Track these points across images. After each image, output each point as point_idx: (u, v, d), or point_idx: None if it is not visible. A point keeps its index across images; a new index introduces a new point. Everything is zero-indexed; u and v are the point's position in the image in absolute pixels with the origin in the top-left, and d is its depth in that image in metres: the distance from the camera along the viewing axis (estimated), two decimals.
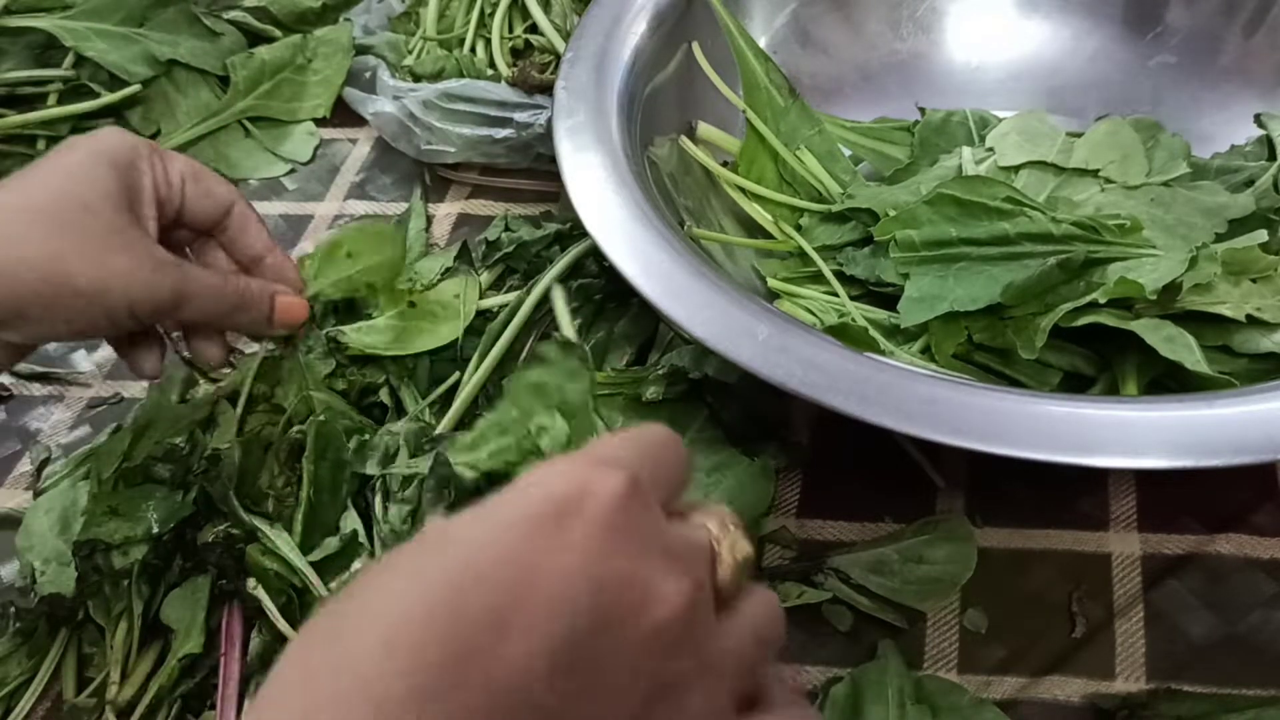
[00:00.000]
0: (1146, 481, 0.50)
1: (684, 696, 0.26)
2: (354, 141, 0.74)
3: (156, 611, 0.49)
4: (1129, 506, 0.50)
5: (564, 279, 0.58)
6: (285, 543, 0.49)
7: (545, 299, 0.57)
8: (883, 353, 0.49)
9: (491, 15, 0.73)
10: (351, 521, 0.50)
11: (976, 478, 0.51)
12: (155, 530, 0.49)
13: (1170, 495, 0.50)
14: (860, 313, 0.52)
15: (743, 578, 0.30)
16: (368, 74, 0.71)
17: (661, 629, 0.26)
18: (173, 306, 0.45)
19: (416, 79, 0.70)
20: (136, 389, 0.60)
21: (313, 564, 0.48)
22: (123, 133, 0.47)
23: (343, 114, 0.73)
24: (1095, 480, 0.51)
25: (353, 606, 0.25)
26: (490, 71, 0.70)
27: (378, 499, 0.50)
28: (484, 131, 0.65)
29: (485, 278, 0.61)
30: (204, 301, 0.46)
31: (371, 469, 0.51)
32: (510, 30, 0.73)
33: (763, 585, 0.32)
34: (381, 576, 0.26)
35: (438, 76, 0.69)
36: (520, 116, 0.65)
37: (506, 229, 0.63)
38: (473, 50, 0.72)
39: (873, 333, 0.50)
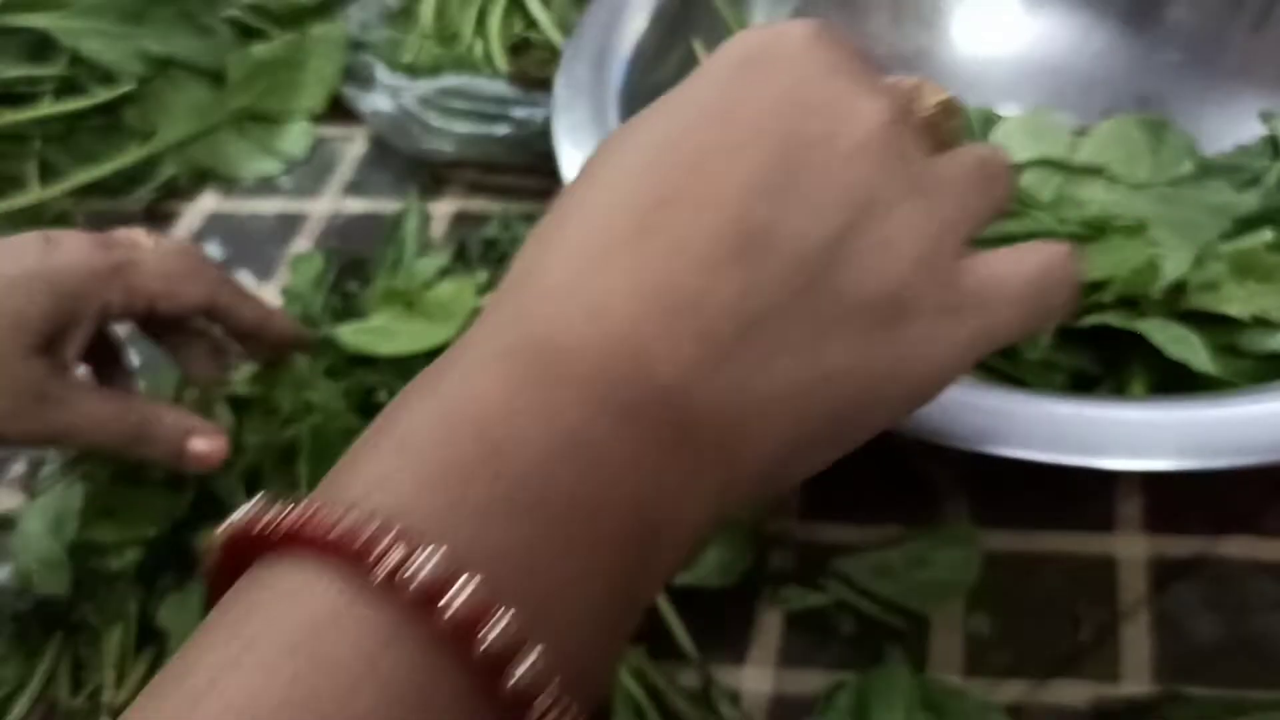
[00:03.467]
0: (1153, 483, 0.50)
1: (892, 212, 0.27)
2: (350, 139, 0.74)
3: (154, 615, 0.49)
4: (1135, 509, 0.49)
5: None
6: None
7: None
8: None
9: (490, 11, 0.72)
10: None
11: (980, 480, 0.51)
12: (150, 533, 0.49)
13: (1177, 497, 0.49)
14: None
15: (949, 121, 0.31)
16: (364, 71, 0.71)
17: (864, 144, 0.27)
18: (50, 441, 0.45)
19: (414, 76, 0.69)
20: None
21: None
22: (95, 249, 0.44)
23: (339, 111, 0.73)
24: (1101, 482, 0.50)
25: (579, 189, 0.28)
26: (488, 68, 0.70)
27: None
28: (482, 128, 0.65)
29: (484, 277, 0.60)
30: (92, 435, 0.44)
31: None
32: (509, 26, 0.72)
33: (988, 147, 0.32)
34: (607, 146, 0.29)
35: (435, 73, 0.69)
36: (519, 113, 0.64)
37: (505, 228, 0.62)
38: (471, 47, 0.72)
39: None
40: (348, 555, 0.20)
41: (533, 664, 0.20)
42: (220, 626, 0.21)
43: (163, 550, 0.49)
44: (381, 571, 0.20)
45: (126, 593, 0.48)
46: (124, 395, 0.47)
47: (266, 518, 0.22)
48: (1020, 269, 0.30)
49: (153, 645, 0.48)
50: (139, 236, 0.48)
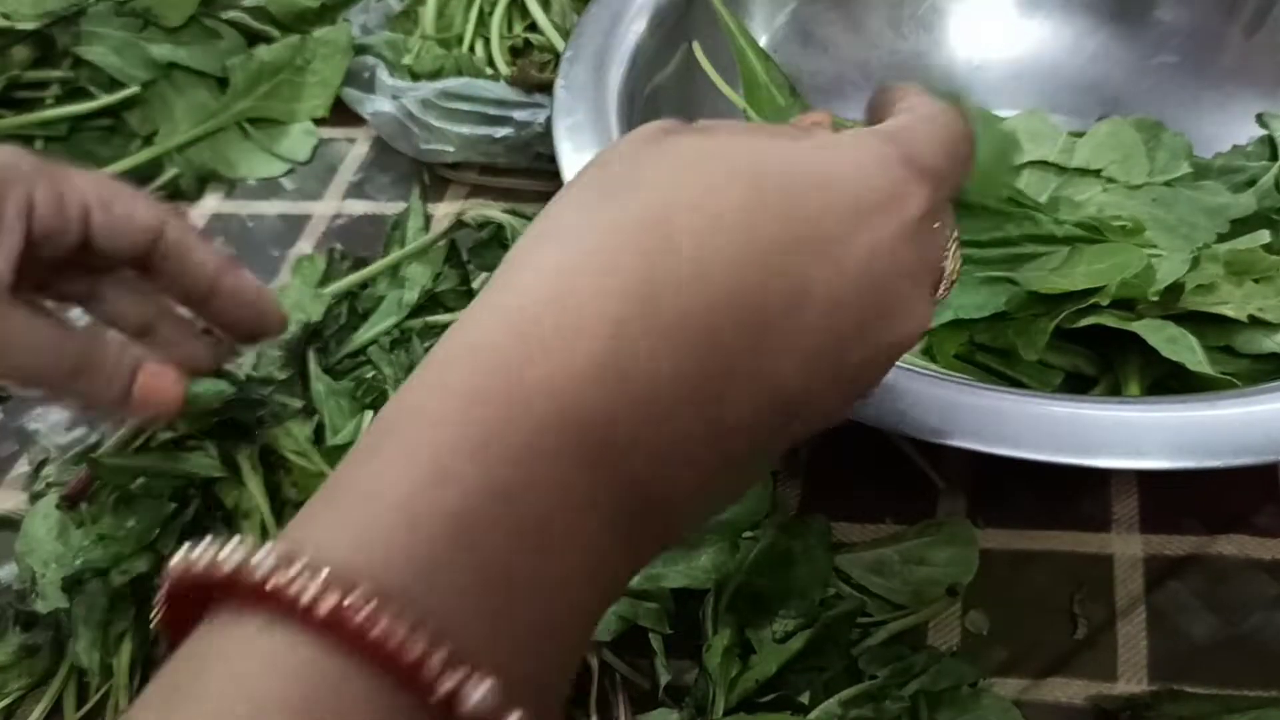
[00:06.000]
0: (1148, 482, 0.50)
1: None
2: (352, 141, 0.74)
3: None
4: (1131, 508, 0.49)
5: None
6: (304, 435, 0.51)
7: None
8: None
9: (490, 14, 0.73)
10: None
11: (978, 479, 0.51)
12: (144, 538, 0.49)
13: (1172, 496, 0.50)
14: None
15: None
16: (366, 73, 0.71)
17: (901, 344, 0.29)
18: None
19: (415, 78, 0.69)
20: None
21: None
22: (19, 152, 0.39)
23: (341, 113, 0.73)
24: (1097, 481, 0.51)
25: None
26: (489, 70, 0.70)
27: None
28: (483, 130, 0.65)
29: (482, 281, 0.60)
30: (24, 359, 0.37)
31: None
32: (509, 29, 0.73)
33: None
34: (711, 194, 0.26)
35: (436, 75, 0.69)
36: (519, 115, 0.65)
37: (495, 232, 0.62)
38: (471, 49, 0.72)
39: None
40: (345, 634, 0.20)
41: None
42: (214, 696, 0.20)
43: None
44: (409, 665, 0.20)
45: (132, 610, 0.48)
46: (63, 322, 0.39)
47: (240, 563, 0.22)
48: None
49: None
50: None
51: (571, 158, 0.51)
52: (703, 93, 0.58)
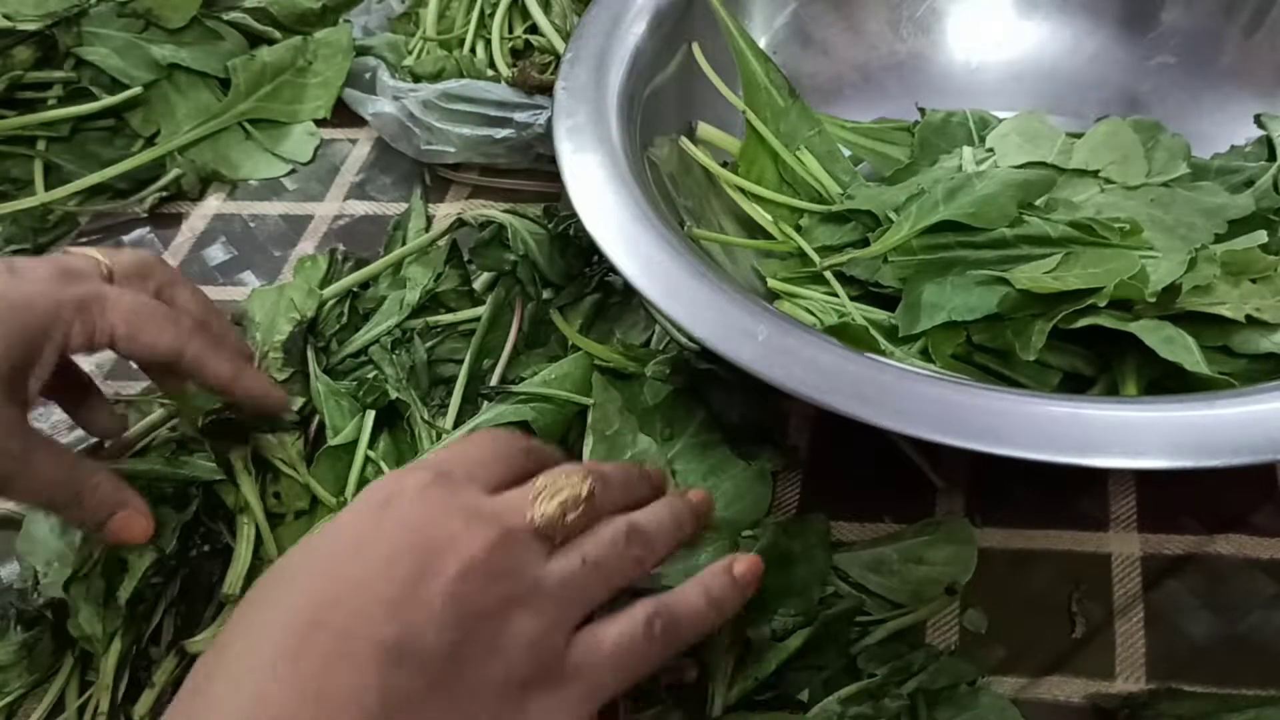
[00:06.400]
0: (1146, 482, 0.50)
1: (507, 620, 0.33)
2: (354, 142, 0.74)
3: (158, 627, 0.49)
4: (1129, 507, 0.50)
5: (566, 279, 0.59)
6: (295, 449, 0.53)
7: (509, 301, 0.58)
8: (883, 353, 0.49)
9: (491, 16, 0.73)
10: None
11: (976, 478, 0.51)
12: (161, 544, 0.49)
13: (1170, 495, 0.50)
14: (860, 313, 0.52)
15: (566, 516, 0.35)
16: (368, 74, 0.71)
17: (469, 568, 0.33)
18: None
19: (416, 79, 0.70)
20: (136, 389, 0.60)
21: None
22: (60, 281, 0.43)
23: (342, 114, 0.73)
24: (1095, 481, 0.51)
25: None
26: (490, 72, 0.70)
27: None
28: (484, 132, 0.65)
29: (482, 281, 0.61)
30: (30, 494, 0.44)
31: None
32: (510, 30, 0.73)
33: (623, 518, 0.37)
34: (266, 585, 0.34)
35: (437, 77, 0.69)
36: (520, 117, 0.65)
37: (500, 228, 0.62)
38: (472, 50, 0.72)
39: (873, 333, 0.50)
40: None
41: None
42: None
43: (170, 560, 0.49)
44: None
45: (125, 608, 0.48)
46: (71, 459, 0.45)
47: None
48: (605, 637, 0.35)
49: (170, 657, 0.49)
50: (95, 253, 0.46)
51: (571, 159, 0.51)
52: (702, 94, 0.58)
